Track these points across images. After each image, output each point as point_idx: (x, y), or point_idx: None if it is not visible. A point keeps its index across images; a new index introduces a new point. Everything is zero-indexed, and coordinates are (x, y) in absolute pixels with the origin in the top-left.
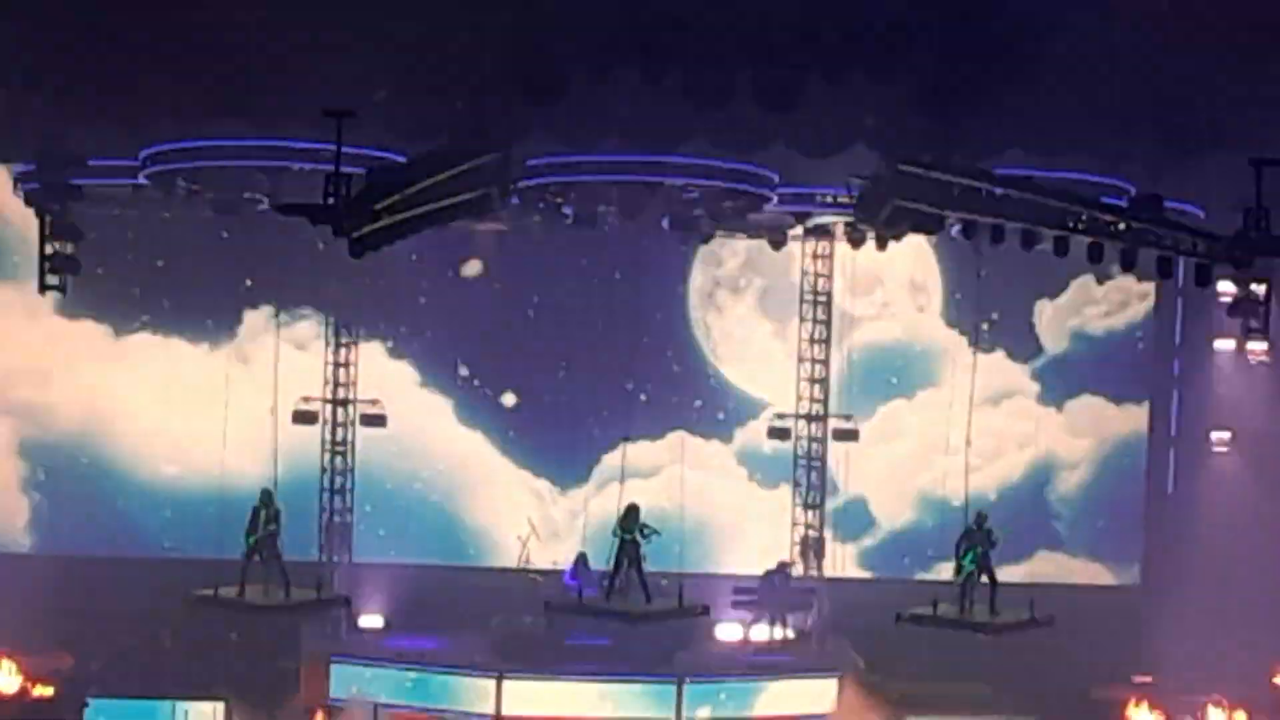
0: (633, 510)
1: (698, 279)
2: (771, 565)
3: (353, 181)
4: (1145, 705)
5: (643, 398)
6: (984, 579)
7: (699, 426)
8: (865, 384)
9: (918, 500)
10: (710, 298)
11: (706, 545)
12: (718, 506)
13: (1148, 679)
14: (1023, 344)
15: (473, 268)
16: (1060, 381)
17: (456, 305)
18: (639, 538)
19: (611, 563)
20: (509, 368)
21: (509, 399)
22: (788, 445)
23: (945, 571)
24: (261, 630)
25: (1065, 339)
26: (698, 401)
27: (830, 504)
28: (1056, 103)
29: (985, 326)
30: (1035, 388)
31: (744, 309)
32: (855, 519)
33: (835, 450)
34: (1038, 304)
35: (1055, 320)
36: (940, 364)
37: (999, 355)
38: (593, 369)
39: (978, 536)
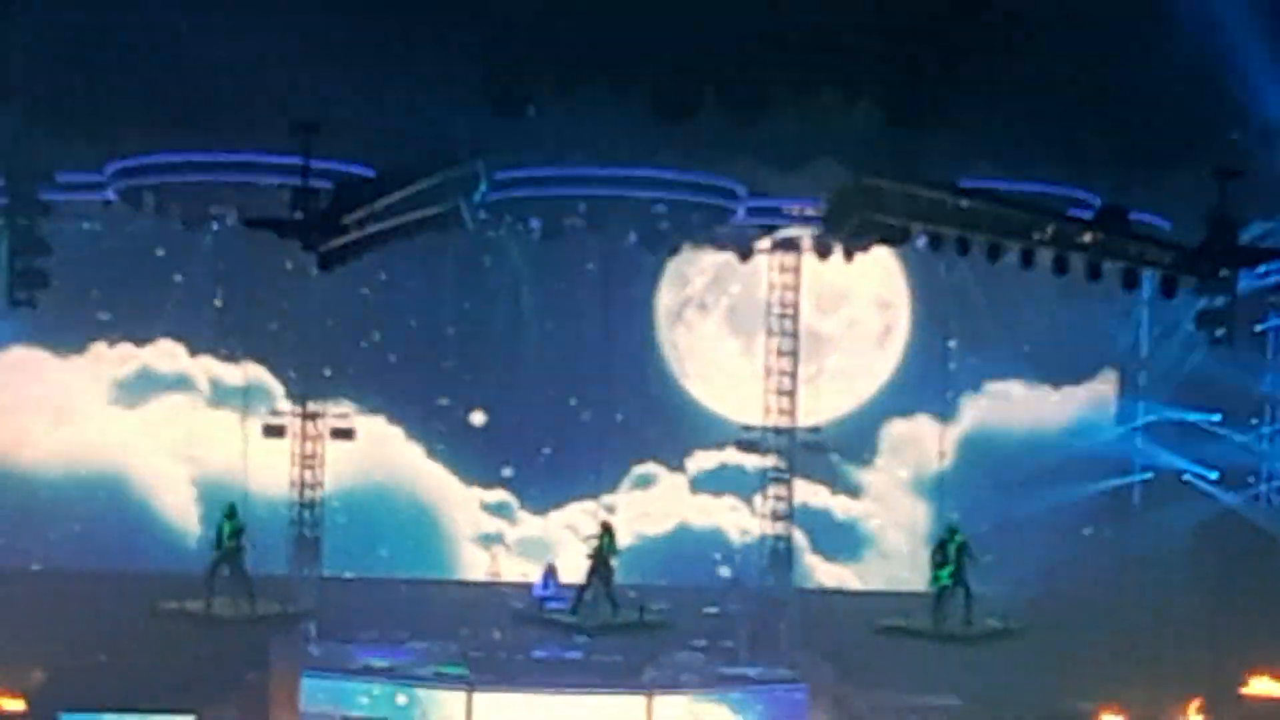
0: (606, 527)
1: (665, 297)
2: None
3: (320, 196)
4: (1117, 715)
5: (618, 417)
6: (959, 590)
7: (667, 442)
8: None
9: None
10: (678, 316)
11: (674, 558)
12: (685, 520)
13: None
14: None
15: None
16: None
17: (424, 322)
18: (608, 554)
19: (585, 577)
20: (478, 386)
21: (478, 418)
22: (755, 458)
23: (918, 583)
24: (231, 644)
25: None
26: (666, 417)
27: (800, 515)
28: (1022, 115)
29: (952, 344)
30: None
31: (711, 326)
32: (826, 531)
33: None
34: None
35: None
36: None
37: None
38: (562, 387)
39: (951, 548)
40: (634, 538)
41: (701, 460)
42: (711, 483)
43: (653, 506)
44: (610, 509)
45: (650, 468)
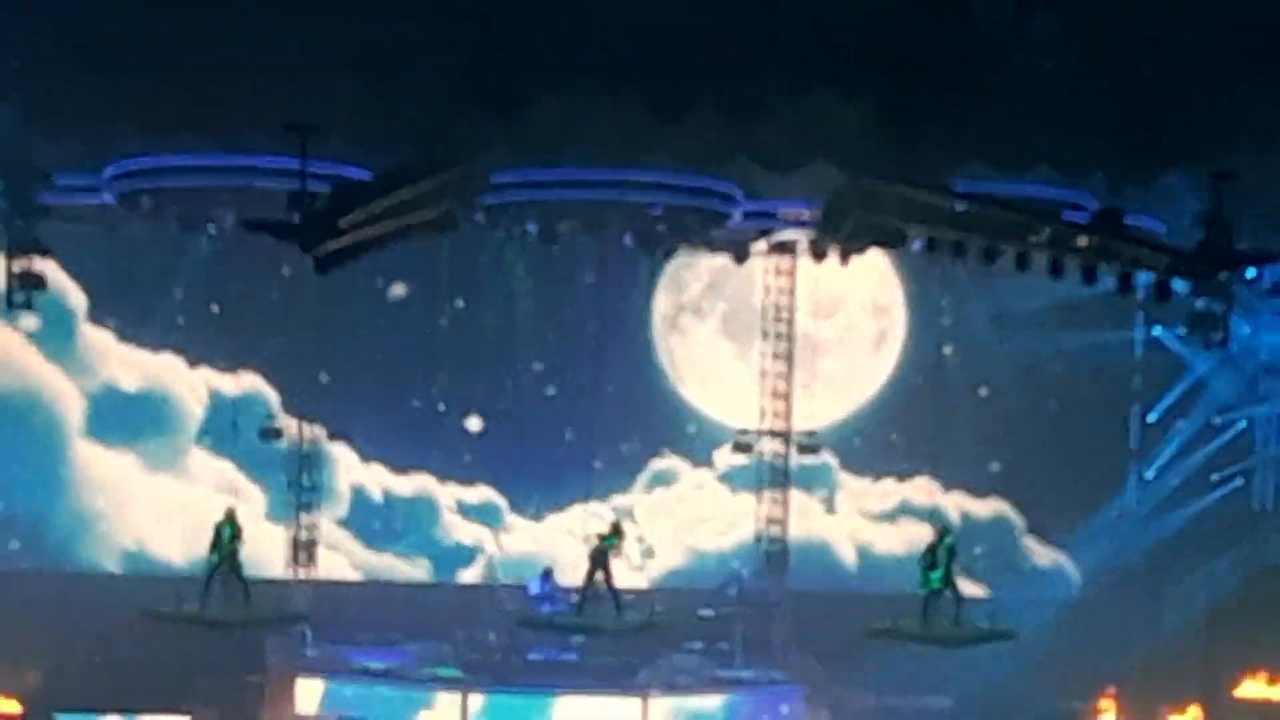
0: (615, 526)
1: (661, 303)
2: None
3: (318, 198)
4: (1110, 715)
5: (613, 421)
6: (948, 592)
7: (663, 448)
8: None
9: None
10: (674, 322)
11: (673, 561)
12: (683, 524)
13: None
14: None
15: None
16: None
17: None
18: (610, 552)
19: (585, 578)
20: (475, 392)
21: (474, 423)
22: (752, 459)
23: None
24: (227, 645)
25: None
26: (662, 424)
27: (794, 517)
28: (1018, 117)
29: (947, 350)
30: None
31: (707, 331)
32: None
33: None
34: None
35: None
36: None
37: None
38: (558, 393)
39: (941, 551)
40: (632, 540)
41: (698, 466)
42: (707, 487)
43: (650, 509)
44: (618, 511)
45: (647, 472)
